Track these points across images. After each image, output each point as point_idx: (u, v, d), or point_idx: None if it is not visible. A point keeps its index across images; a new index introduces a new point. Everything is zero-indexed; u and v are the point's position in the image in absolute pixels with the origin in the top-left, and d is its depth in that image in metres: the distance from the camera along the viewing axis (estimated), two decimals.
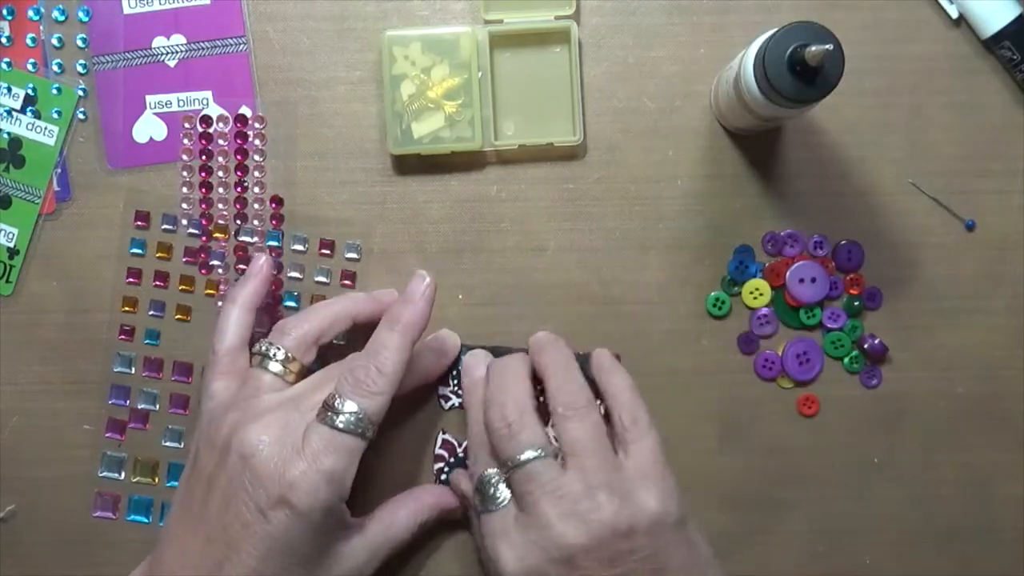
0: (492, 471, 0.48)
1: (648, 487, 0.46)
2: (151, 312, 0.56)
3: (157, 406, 0.56)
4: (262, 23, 0.56)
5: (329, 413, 0.45)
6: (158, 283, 0.56)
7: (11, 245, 0.56)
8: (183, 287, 0.56)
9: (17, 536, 0.56)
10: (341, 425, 0.45)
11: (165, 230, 0.56)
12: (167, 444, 0.56)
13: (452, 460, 0.56)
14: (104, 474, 0.56)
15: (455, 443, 0.56)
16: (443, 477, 0.55)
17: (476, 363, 0.54)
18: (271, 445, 0.45)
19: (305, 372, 0.50)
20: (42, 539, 0.56)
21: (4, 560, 0.56)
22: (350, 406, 0.45)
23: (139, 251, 0.56)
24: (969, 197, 0.56)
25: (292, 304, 0.56)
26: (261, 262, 0.53)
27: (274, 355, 0.49)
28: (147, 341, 0.56)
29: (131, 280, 0.56)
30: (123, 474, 0.56)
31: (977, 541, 0.57)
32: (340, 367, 0.49)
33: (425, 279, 0.48)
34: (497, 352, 0.55)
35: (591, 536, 0.45)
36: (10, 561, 0.56)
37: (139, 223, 0.56)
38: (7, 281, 0.56)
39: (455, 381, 0.56)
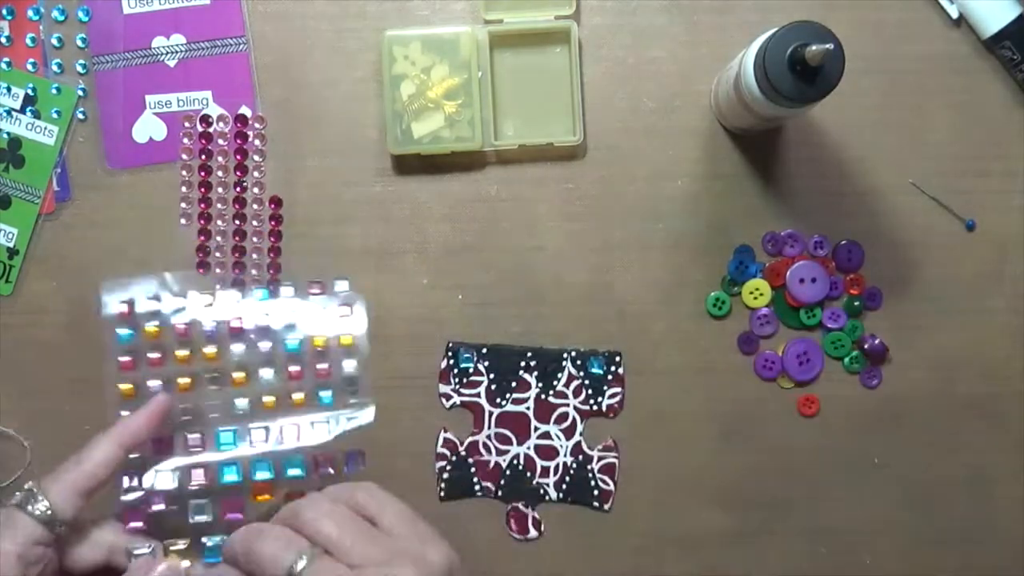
0: None
1: (425, 543, 0.44)
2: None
3: None
4: (262, 23, 0.56)
5: (23, 500, 0.45)
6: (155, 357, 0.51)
7: (11, 245, 0.56)
8: (181, 358, 0.51)
9: None
10: (26, 509, 0.45)
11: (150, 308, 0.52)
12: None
13: (454, 458, 0.56)
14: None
15: (456, 441, 0.56)
16: (445, 475, 0.56)
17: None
18: None
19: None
20: None
21: None
22: (39, 499, 0.45)
23: (128, 335, 0.51)
24: (969, 197, 0.56)
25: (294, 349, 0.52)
26: (159, 399, 0.50)
27: (40, 513, 0.46)
28: None
29: (126, 372, 0.51)
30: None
31: (977, 541, 0.57)
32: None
33: (159, 399, 0.49)
34: (497, 351, 0.55)
35: None
36: None
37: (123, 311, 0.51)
38: (7, 281, 0.56)
39: (456, 380, 0.56)
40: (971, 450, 0.57)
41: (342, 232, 0.56)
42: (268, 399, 0.50)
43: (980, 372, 0.57)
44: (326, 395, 0.50)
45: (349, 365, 0.51)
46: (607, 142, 0.56)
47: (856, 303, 0.56)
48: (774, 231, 0.56)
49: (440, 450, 0.56)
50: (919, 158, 0.56)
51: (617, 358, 0.56)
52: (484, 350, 0.56)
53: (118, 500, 0.48)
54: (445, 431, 0.56)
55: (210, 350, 0.51)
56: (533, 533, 0.56)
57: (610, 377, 0.56)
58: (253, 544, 0.44)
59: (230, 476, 0.48)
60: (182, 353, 0.50)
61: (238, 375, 0.51)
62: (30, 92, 0.56)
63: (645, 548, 0.56)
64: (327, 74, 0.56)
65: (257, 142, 0.56)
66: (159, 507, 0.48)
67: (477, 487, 0.56)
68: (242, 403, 0.50)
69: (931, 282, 0.57)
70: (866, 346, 0.56)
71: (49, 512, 0.45)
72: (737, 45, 0.56)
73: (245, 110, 0.56)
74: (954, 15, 0.55)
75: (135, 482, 0.48)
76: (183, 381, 0.50)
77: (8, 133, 0.56)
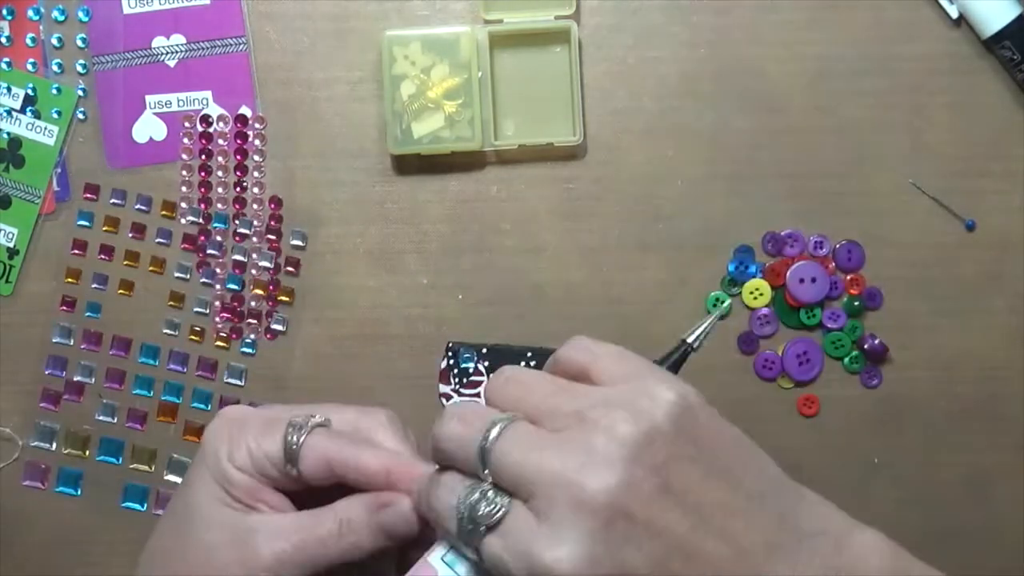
0: (468, 486, 0.36)
1: (646, 379, 0.35)
2: (94, 285, 0.56)
3: (93, 379, 0.56)
4: (262, 23, 0.56)
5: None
6: (102, 256, 0.56)
7: (11, 245, 0.56)
8: (127, 262, 0.56)
9: (16, 536, 0.56)
10: None
11: (113, 203, 0.56)
12: (100, 418, 0.56)
13: None
14: (35, 444, 0.56)
15: None
16: None
17: None
18: None
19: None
20: (39, 537, 0.56)
21: (3, 560, 0.56)
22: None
23: (86, 223, 0.56)
24: (969, 197, 0.56)
25: (234, 287, 0.56)
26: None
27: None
28: (88, 314, 0.56)
29: (76, 252, 0.56)
30: (54, 445, 0.56)
31: (977, 541, 0.56)
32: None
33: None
34: (497, 351, 0.55)
35: (625, 464, 0.33)
36: (9, 561, 0.56)
37: (88, 195, 0.56)
38: (7, 281, 0.56)
39: (456, 380, 0.56)
40: (971, 450, 0.57)
41: (342, 232, 0.56)
42: None
43: (980, 372, 0.57)
44: None
45: None
46: (607, 142, 0.56)
47: (856, 303, 0.56)
48: (774, 231, 0.56)
49: None
50: (919, 158, 0.56)
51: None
52: (484, 350, 0.56)
53: None
54: None
55: None
56: None
57: None
58: (437, 432, 0.37)
59: None
60: None
61: None
62: (30, 92, 0.56)
63: None
64: (327, 74, 0.56)
65: (257, 142, 0.56)
66: None
67: None
68: None
69: (931, 282, 0.56)
70: (866, 346, 0.56)
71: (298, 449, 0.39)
72: (737, 45, 0.56)
73: (245, 110, 0.56)
74: (954, 15, 0.55)
75: None
76: None
77: (8, 133, 0.56)
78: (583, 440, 0.34)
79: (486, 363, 0.56)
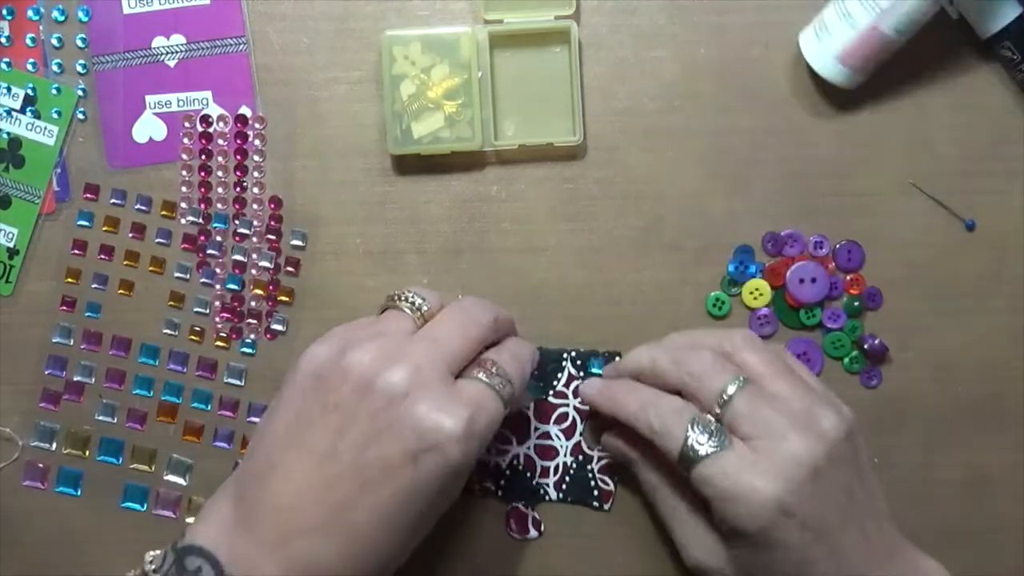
0: (699, 419, 0.47)
1: (835, 398, 0.50)
2: (94, 285, 0.56)
3: (93, 379, 0.56)
4: (262, 23, 0.56)
5: (490, 373, 0.46)
6: (102, 256, 0.56)
7: (11, 245, 0.56)
8: (127, 262, 0.56)
9: (16, 536, 0.56)
10: (498, 388, 0.45)
11: (113, 203, 0.56)
12: (100, 418, 0.56)
13: None
14: (35, 444, 0.56)
15: None
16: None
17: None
18: (421, 389, 0.43)
19: None
20: (40, 538, 0.56)
21: (4, 560, 0.56)
22: (507, 374, 0.46)
23: (86, 223, 0.56)
24: (969, 197, 0.56)
25: (233, 287, 0.56)
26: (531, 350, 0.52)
27: (417, 304, 0.48)
28: (88, 314, 0.56)
29: (76, 252, 0.56)
30: (54, 445, 0.56)
31: (977, 541, 0.56)
32: (465, 311, 0.48)
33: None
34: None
35: (828, 445, 0.46)
36: (10, 561, 0.56)
37: (88, 195, 0.56)
38: (7, 281, 0.56)
39: None
40: (971, 450, 0.57)
41: (342, 232, 0.56)
42: None
43: (980, 372, 0.57)
44: None
45: None
46: (607, 142, 0.56)
47: (856, 303, 0.56)
48: (774, 231, 0.56)
49: None
50: (919, 158, 0.56)
51: (617, 358, 0.56)
52: None
53: None
54: None
55: None
56: (533, 533, 0.56)
57: None
58: (685, 357, 0.49)
59: None
60: None
61: None
62: (30, 92, 0.56)
63: (646, 548, 0.56)
64: (327, 74, 0.56)
65: (257, 142, 0.56)
66: None
67: (477, 487, 0.56)
68: None
69: (931, 282, 0.57)
70: (866, 346, 0.56)
71: (511, 393, 0.46)
72: (737, 46, 0.56)
73: (245, 110, 0.56)
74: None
75: None
76: None
77: (8, 133, 0.56)
78: (805, 415, 0.46)
79: None
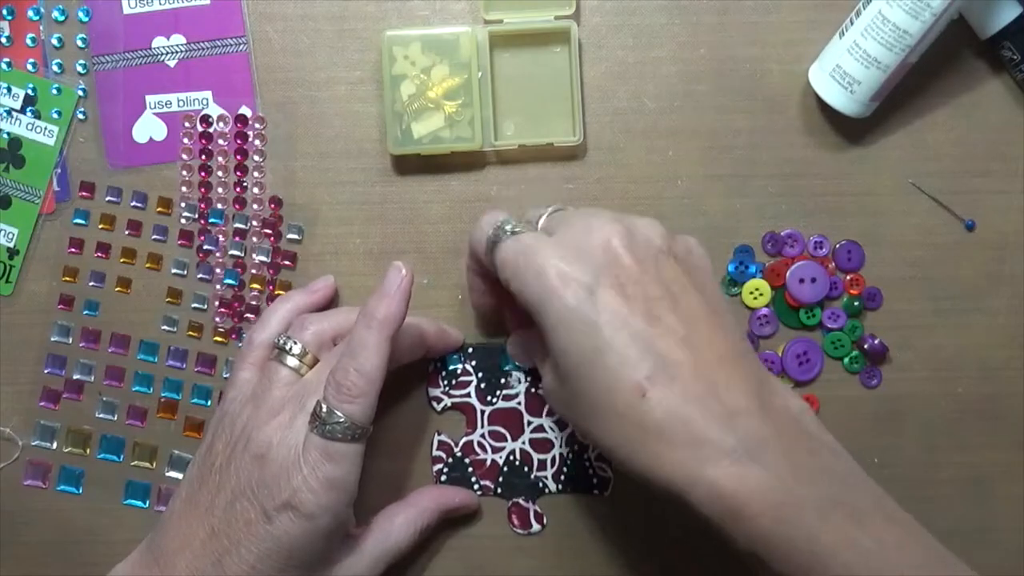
0: (510, 218, 0.47)
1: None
2: (91, 283, 0.56)
3: (92, 377, 0.56)
4: (262, 23, 0.56)
5: (318, 423, 0.45)
6: (99, 254, 0.56)
7: (11, 245, 0.56)
8: (124, 259, 0.56)
9: (17, 535, 0.56)
10: (330, 434, 0.45)
11: (109, 201, 0.56)
12: (100, 416, 0.56)
13: (450, 460, 0.56)
14: (36, 443, 0.56)
15: (451, 444, 0.56)
16: (443, 479, 0.55)
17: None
18: (278, 448, 0.46)
19: None
20: (40, 536, 0.56)
21: (5, 559, 0.56)
22: (336, 415, 0.45)
23: (82, 221, 0.56)
24: (969, 197, 0.56)
25: (231, 282, 0.56)
26: (328, 281, 0.54)
27: (290, 349, 0.49)
28: (86, 312, 0.56)
29: (72, 250, 0.56)
30: (55, 444, 0.56)
31: (977, 541, 0.56)
32: (336, 356, 0.48)
33: (401, 271, 0.47)
34: (483, 350, 0.55)
35: (631, 227, 0.44)
36: (11, 560, 0.56)
37: (83, 194, 0.56)
38: (7, 281, 0.56)
39: (445, 383, 0.56)
40: (971, 450, 0.57)
41: (342, 232, 0.56)
42: None
43: (980, 372, 0.57)
44: None
45: None
46: (607, 142, 0.56)
47: (856, 303, 0.56)
48: (774, 231, 0.56)
49: (436, 453, 0.56)
50: (919, 158, 0.56)
51: None
52: (470, 350, 0.56)
53: None
54: (439, 434, 0.56)
55: None
56: (536, 527, 0.56)
57: None
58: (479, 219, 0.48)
59: None
60: None
61: None
62: (30, 92, 0.56)
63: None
64: (327, 74, 0.56)
65: (257, 142, 0.56)
66: None
67: (476, 486, 0.56)
68: None
69: (931, 282, 0.57)
70: (866, 346, 0.56)
71: (352, 427, 0.45)
72: (737, 45, 0.56)
73: (245, 110, 0.56)
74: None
75: None
76: None
77: (8, 133, 0.56)
78: (620, 214, 0.45)
79: (472, 363, 0.56)
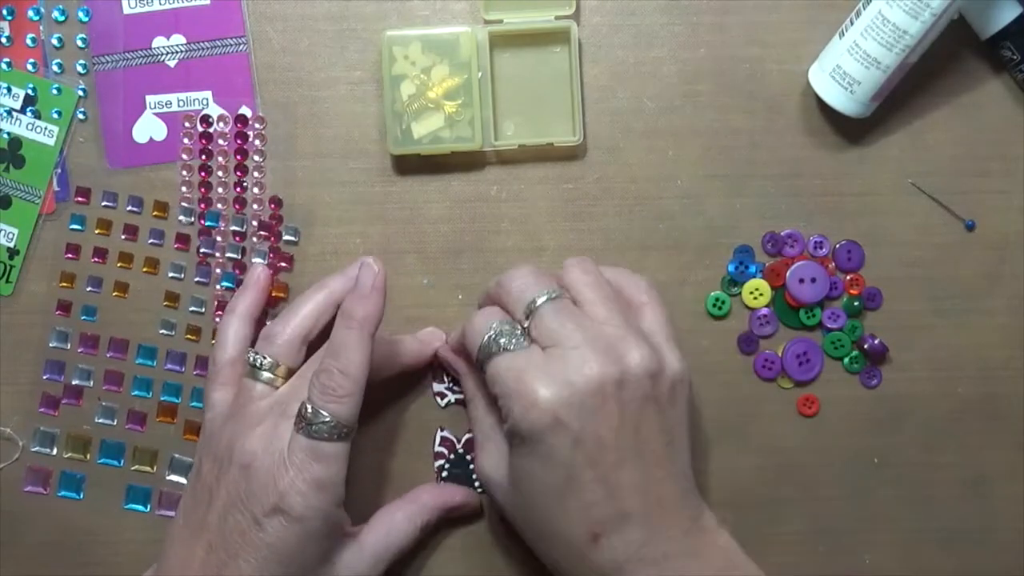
0: (506, 321, 0.47)
1: (671, 348, 0.48)
2: (88, 288, 0.56)
3: (91, 382, 0.56)
4: (262, 23, 0.56)
5: (304, 423, 0.45)
6: (96, 259, 0.56)
7: (11, 245, 0.56)
8: (121, 264, 0.56)
9: (18, 538, 0.56)
10: (317, 434, 0.45)
11: (105, 206, 0.56)
12: (100, 421, 0.56)
13: (452, 456, 0.56)
14: (36, 449, 0.56)
15: (454, 440, 0.56)
16: (444, 475, 0.55)
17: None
18: (263, 455, 0.46)
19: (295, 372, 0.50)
20: (41, 539, 0.56)
21: (4, 560, 0.56)
22: (322, 415, 0.45)
23: (78, 227, 0.56)
24: (969, 197, 0.56)
25: (228, 285, 0.56)
26: (258, 272, 0.54)
27: (262, 364, 0.49)
28: (84, 317, 0.56)
29: (69, 256, 0.56)
30: (55, 449, 0.56)
31: (977, 541, 0.57)
32: (315, 364, 0.48)
33: (374, 268, 0.48)
34: None
35: (624, 372, 0.45)
36: (12, 563, 0.56)
37: (79, 199, 0.56)
38: (7, 281, 0.56)
39: (449, 378, 0.56)
40: (971, 450, 0.57)
41: (342, 232, 0.56)
42: None
43: (980, 372, 0.57)
44: None
45: None
46: (607, 142, 0.56)
47: (856, 303, 0.56)
48: (774, 231, 0.56)
49: (438, 449, 0.56)
50: (919, 158, 0.56)
51: None
52: None
53: None
54: (442, 429, 0.56)
55: None
56: None
57: None
58: (508, 275, 0.49)
59: None
60: None
61: None
62: (30, 92, 0.56)
63: None
64: (327, 74, 0.56)
65: (257, 142, 0.56)
66: None
67: (477, 484, 0.56)
68: None
69: (931, 282, 0.57)
70: (866, 346, 0.56)
71: (338, 426, 0.46)
72: (737, 45, 0.56)
73: (245, 110, 0.56)
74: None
75: None
76: None
77: (8, 133, 0.56)
78: (613, 340, 0.45)
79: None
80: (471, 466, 0.56)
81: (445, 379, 0.56)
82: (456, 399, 0.56)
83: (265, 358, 0.49)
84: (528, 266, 0.49)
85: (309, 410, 0.45)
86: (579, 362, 0.44)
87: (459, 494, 0.54)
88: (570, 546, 0.45)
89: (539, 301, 0.47)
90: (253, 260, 0.56)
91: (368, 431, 0.55)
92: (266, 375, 0.49)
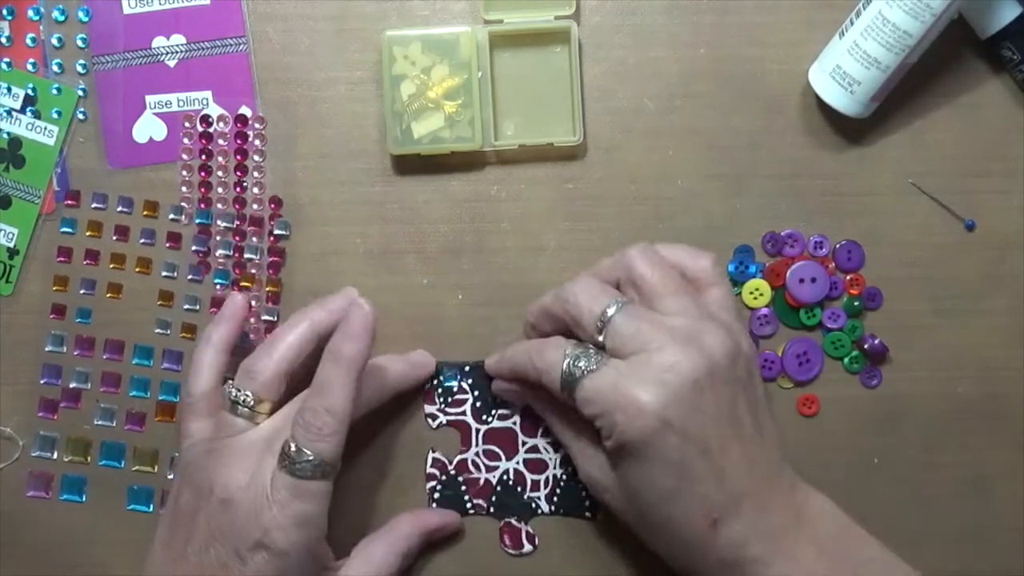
0: (577, 344, 0.48)
1: (739, 326, 0.48)
2: (82, 291, 0.56)
3: (89, 385, 0.56)
4: (262, 23, 0.56)
5: (287, 461, 0.45)
6: (88, 261, 0.56)
7: (11, 245, 0.56)
8: (113, 265, 0.56)
9: (17, 536, 0.56)
10: (300, 472, 0.45)
11: (95, 208, 0.56)
12: (99, 423, 0.56)
13: (444, 478, 0.55)
14: (37, 454, 0.56)
15: (446, 461, 0.55)
16: (436, 496, 0.55)
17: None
18: (245, 490, 0.46)
19: (278, 406, 0.49)
20: (43, 540, 0.56)
21: (4, 560, 0.56)
22: (306, 454, 0.45)
23: (69, 230, 0.56)
24: (969, 197, 0.56)
25: (222, 281, 0.56)
26: (236, 302, 0.53)
27: (243, 400, 0.48)
28: (78, 320, 0.56)
29: (61, 259, 0.56)
30: (55, 453, 0.56)
31: (977, 541, 0.56)
32: (302, 399, 0.48)
33: (363, 307, 0.47)
34: (479, 369, 0.55)
35: (711, 360, 0.45)
36: (10, 561, 0.56)
37: (69, 202, 0.56)
38: (7, 281, 0.56)
39: (441, 400, 0.56)
40: (971, 450, 0.57)
41: (342, 232, 0.56)
42: None
43: (980, 372, 0.57)
44: None
45: None
46: (607, 142, 0.56)
47: (856, 303, 0.56)
48: (774, 231, 0.56)
49: (430, 470, 0.55)
50: (919, 158, 0.56)
51: None
52: (467, 368, 0.56)
53: None
54: (433, 451, 0.56)
55: None
56: (527, 547, 0.55)
57: None
58: (567, 288, 0.49)
59: None
60: None
61: None
62: (30, 92, 0.56)
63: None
64: (327, 74, 0.56)
65: (257, 142, 0.56)
66: None
67: (469, 505, 0.55)
68: None
69: (931, 282, 0.57)
70: (866, 346, 0.56)
71: (322, 464, 0.46)
72: (737, 45, 0.56)
73: (245, 110, 0.56)
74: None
75: None
76: None
77: (8, 133, 0.56)
78: (693, 331, 0.46)
79: (469, 381, 0.56)
80: (463, 487, 0.55)
81: (437, 400, 0.56)
82: (448, 421, 0.56)
83: (246, 394, 0.48)
84: (588, 276, 0.49)
85: (293, 448, 0.45)
86: (668, 361, 0.45)
87: (436, 516, 0.54)
88: (691, 537, 0.46)
89: (610, 312, 0.47)
90: (246, 256, 0.56)
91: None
92: (246, 411, 0.49)
